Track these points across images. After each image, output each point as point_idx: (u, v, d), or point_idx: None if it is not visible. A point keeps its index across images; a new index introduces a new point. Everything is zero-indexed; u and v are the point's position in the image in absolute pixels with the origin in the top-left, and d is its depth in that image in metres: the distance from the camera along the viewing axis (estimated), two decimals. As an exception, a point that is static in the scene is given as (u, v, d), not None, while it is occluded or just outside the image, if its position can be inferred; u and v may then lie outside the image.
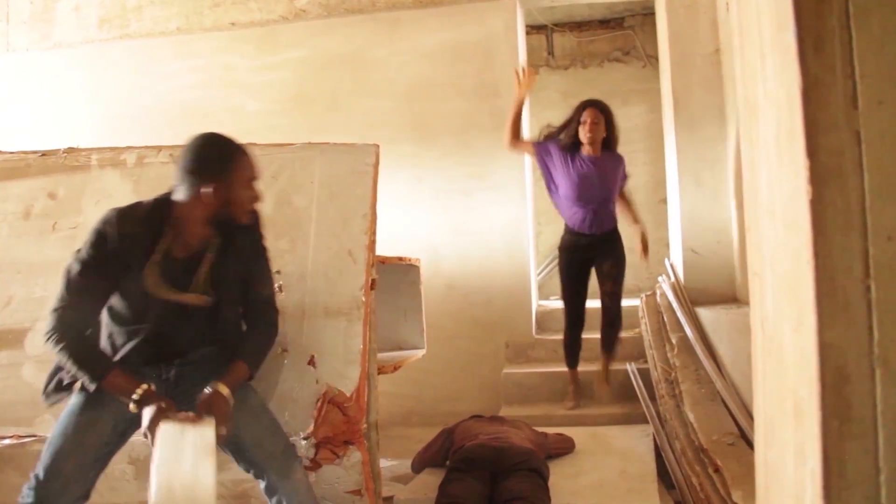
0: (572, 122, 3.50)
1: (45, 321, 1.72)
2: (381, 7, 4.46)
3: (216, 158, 1.78)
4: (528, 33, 5.14)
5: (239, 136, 1.87)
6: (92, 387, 1.70)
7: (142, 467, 1.99)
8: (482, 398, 4.05)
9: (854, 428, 0.91)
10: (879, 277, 0.91)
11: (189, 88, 4.60)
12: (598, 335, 3.66)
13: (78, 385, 1.75)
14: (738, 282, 3.69)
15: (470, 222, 4.31)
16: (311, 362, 2.13)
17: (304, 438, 2.01)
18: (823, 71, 0.93)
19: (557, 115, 3.72)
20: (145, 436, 1.66)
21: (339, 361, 2.13)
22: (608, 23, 6.33)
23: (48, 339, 1.70)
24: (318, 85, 4.47)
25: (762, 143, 1.21)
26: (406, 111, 4.38)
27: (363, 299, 2.21)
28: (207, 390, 1.72)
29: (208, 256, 1.84)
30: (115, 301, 1.80)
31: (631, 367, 3.74)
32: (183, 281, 1.81)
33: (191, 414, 1.68)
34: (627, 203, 3.66)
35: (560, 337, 3.76)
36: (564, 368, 3.74)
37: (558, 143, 3.54)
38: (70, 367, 1.71)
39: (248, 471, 1.86)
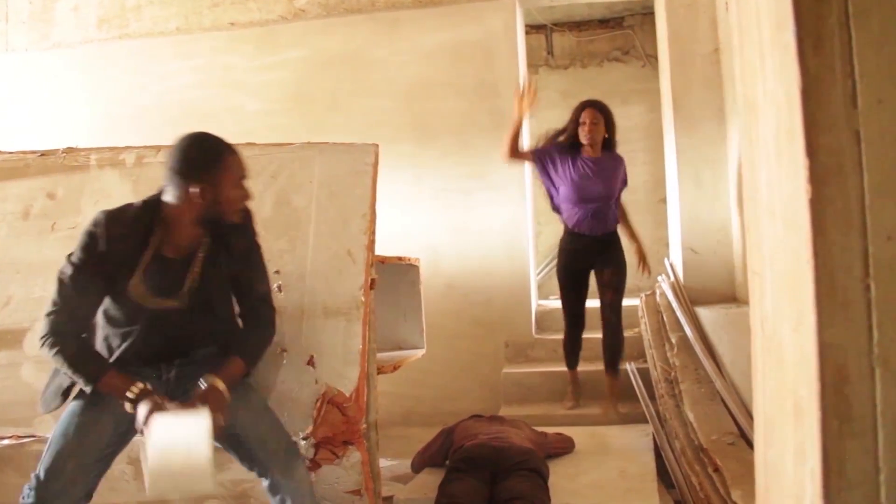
0: (571, 124, 3.49)
1: (40, 325, 1.72)
2: (380, 7, 4.45)
3: (203, 158, 1.77)
4: (527, 33, 5.14)
5: (238, 135, 1.87)
6: (88, 389, 1.71)
7: (142, 467, 1.99)
8: (482, 398, 4.05)
9: (854, 427, 0.91)
10: (879, 277, 0.91)
11: (188, 88, 4.60)
12: (598, 335, 3.64)
13: (76, 389, 1.75)
14: (738, 281, 3.69)
15: (469, 222, 4.31)
16: (311, 362, 2.13)
17: (304, 438, 2.01)
18: (823, 70, 0.92)
19: (557, 115, 3.72)
20: (141, 432, 1.66)
21: (338, 361, 2.13)
22: (607, 22, 6.33)
23: (43, 343, 1.70)
24: (318, 85, 4.47)
25: (762, 143, 1.21)
26: (406, 111, 4.38)
27: (362, 299, 2.21)
28: (202, 384, 1.73)
29: (200, 256, 1.83)
30: (109, 303, 1.80)
31: (630, 367, 3.73)
32: (174, 281, 1.80)
33: (185, 404, 1.69)
34: (624, 215, 3.64)
35: (560, 337, 3.75)
36: (564, 368, 3.74)
37: (558, 146, 3.53)
38: (66, 371, 1.71)
39: (251, 470, 1.86)
